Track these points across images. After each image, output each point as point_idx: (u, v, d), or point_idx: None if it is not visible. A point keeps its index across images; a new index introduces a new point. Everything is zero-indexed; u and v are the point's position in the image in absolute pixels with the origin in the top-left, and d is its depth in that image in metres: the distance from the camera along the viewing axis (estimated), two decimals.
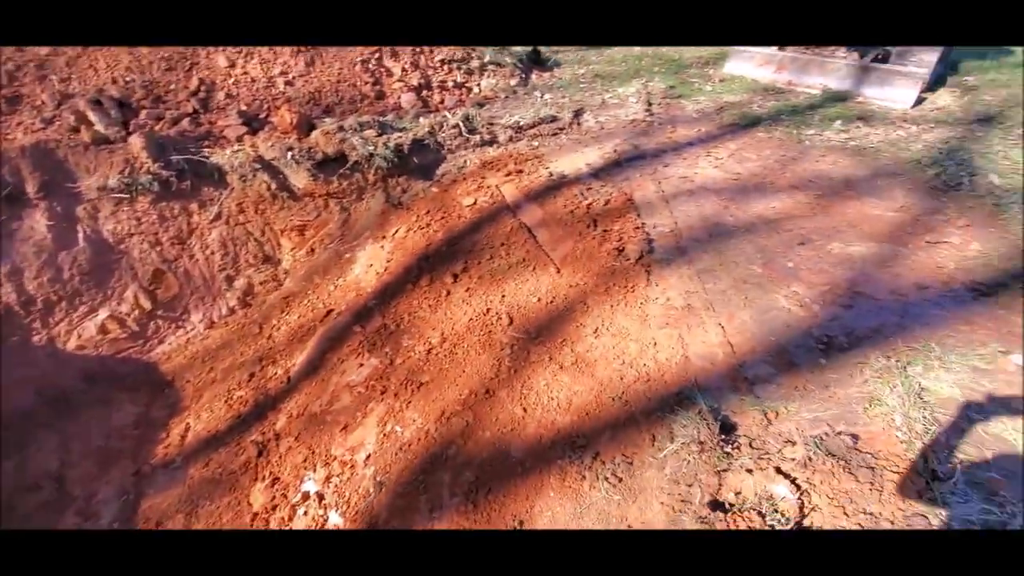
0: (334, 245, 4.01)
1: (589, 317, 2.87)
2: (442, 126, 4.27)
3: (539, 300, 3.05)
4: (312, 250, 3.88)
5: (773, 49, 6.05)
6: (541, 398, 2.54)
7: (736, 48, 6.27)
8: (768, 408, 2.19)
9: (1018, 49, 8.63)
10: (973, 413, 1.93)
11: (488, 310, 3.06)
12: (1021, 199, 3.32)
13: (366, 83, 4.53)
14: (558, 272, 3.19)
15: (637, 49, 7.44)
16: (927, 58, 5.29)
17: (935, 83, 5.80)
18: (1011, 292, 2.57)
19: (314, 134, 3.81)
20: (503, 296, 3.12)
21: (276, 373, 3.21)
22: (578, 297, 3.00)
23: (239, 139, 3.84)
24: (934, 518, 1.61)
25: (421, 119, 4.37)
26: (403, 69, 4.83)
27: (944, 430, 1.87)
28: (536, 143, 4.52)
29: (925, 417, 1.91)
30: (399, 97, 4.61)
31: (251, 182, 3.72)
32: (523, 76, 5.58)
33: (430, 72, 5.00)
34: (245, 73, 4.14)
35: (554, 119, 4.76)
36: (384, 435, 2.61)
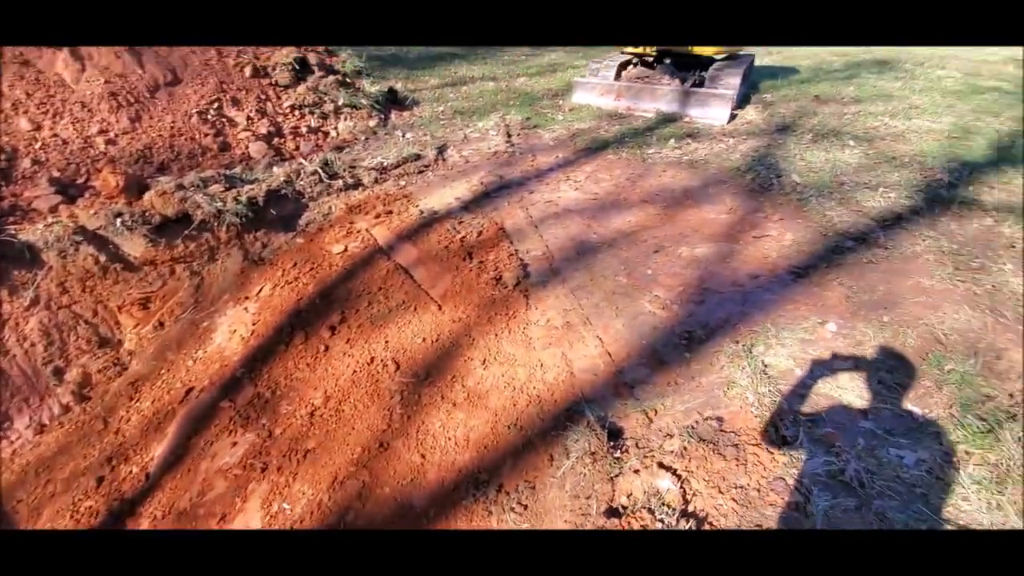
0: (188, 315, 3.59)
1: (476, 349, 2.87)
2: (299, 174, 4.08)
3: (424, 340, 2.99)
4: (161, 324, 3.44)
5: (611, 80, 6.72)
6: (439, 440, 2.46)
7: (579, 80, 6.87)
8: (647, 408, 2.34)
9: (803, 66, 10.52)
10: (806, 378, 2.24)
11: (372, 359, 2.93)
12: (815, 193, 4.00)
13: (206, 135, 4.20)
14: (440, 309, 3.16)
15: (491, 84, 7.83)
16: (733, 81, 6.21)
17: (742, 102, 6.83)
18: (820, 271, 3.05)
19: (148, 196, 3.42)
20: (387, 342, 3.01)
21: (131, 472, 2.76)
22: (463, 331, 3.00)
23: (53, 210, 3.33)
24: (790, 478, 1.81)
25: (275, 168, 4.14)
26: (248, 118, 4.56)
27: (786, 398, 2.14)
28: (403, 182, 4.50)
29: (770, 391, 2.17)
30: (247, 147, 4.33)
31: (73, 257, 3.22)
32: (382, 117, 5.56)
33: (280, 119, 4.78)
34: (55, 135, 3.62)
35: (418, 157, 4.79)
36: (271, 517, 2.35)
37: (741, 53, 7.69)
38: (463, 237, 3.72)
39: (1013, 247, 3.19)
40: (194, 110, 4.30)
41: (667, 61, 6.95)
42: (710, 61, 6.69)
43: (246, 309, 3.52)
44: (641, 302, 2.99)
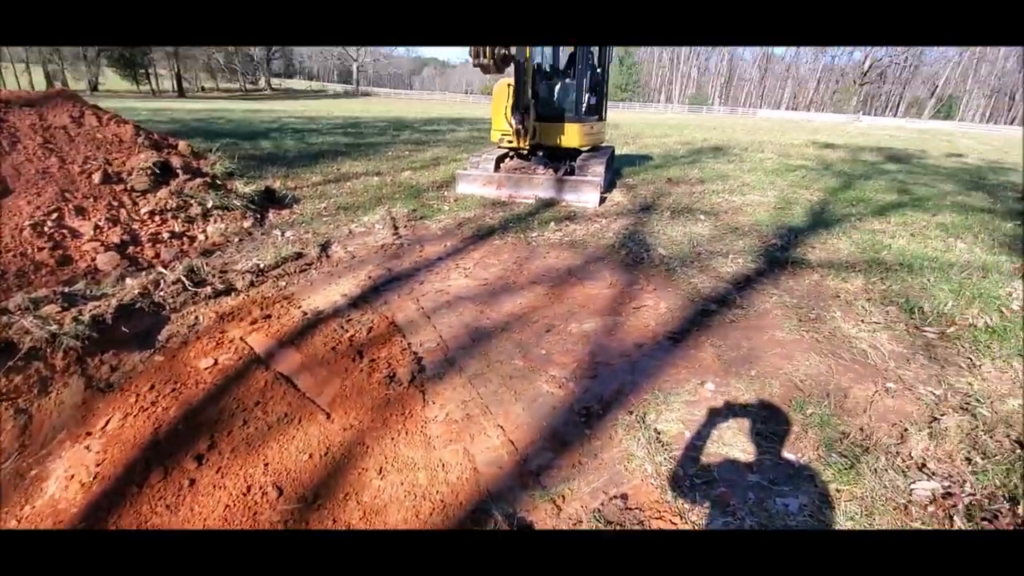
0: (11, 463, 2.92)
1: (371, 458, 2.64)
2: (159, 284, 3.69)
3: (311, 456, 2.69)
4: None
5: (491, 171, 7.18)
6: None
7: (462, 172, 7.25)
8: (555, 495, 2.27)
9: (656, 154, 12.10)
10: (695, 440, 2.34)
11: (249, 487, 2.56)
12: (679, 263, 4.45)
13: (41, 249, 3.70)
14: (329, 418, 2.90)
15: (376, 179, 7.98)
16: (599, 169, 6.93)
17: (609, 186, 7.61)
18: (692, 334, 3.32)
19: None
20: (266, 465, 2.67)
21: None
22: (356, 439, 2.76)
23: None
24: None
25: (129, 280, 3.72)
26: (97, 227, 4.12)
27: (680, 463, 2.20)
28: (283, 283, 4.26)
29: (666, 458, 2.22)
30: (94, 259, 3.87)
31: None
32: (258, 217, 5.34)
33: (136, 226, 4.38)
34: None
35: (300, 255, 4.61)
36: None
37: (603, 145, 8.69)
38: (352, 336, 3.55)
39: (838, 297, 3.75)
40: (27, 223, 3.79)
41: (540, 153, 7.62)
42: (577, 152, 7.46)
43: (88, 448, 2.95)
44: (539, 383, 3.00)
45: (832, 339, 3.16)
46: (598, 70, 7.69)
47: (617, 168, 9.21)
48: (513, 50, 5.65)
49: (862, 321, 3.36)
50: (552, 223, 5.70)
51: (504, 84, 7.07)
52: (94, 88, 57.31)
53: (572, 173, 7.11)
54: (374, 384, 3.09)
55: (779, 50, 78.85)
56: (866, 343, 3.10)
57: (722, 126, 27.26)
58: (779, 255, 4.56)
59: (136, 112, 22.07)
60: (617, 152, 12.67)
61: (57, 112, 4.77)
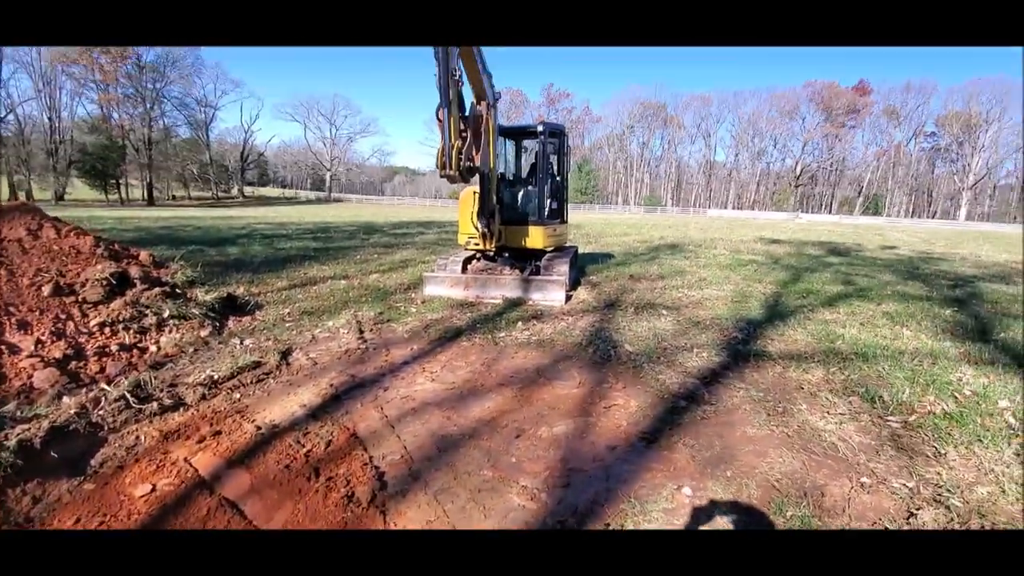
0: None
1: None
2: (99, 402, 3.44)
3: None
4: None
5: (459, 272, 7.33)
6: None
7: (429, 274, 7.37)
8: None
9: (617, 252, 12.67)
10: None
11: None
12: (646, 359, 4.48)
13: None
14: None
15: (343, 283, 7.99)
16: (563, 268, 7.17)
17: (574, 284, 7.83)
18: (665, 433, 3.25)
19: None
20: None
21: None
22: None
23: None
24: None
25: (66, 399, 3.45)
26: (39, 342, 3.90)
27: None
28: (238, 395, 4.04)
29: None
30: (30, 377, 3.61)
31: None
32: (216, 325, 5.19)
33: (83, 339, 4.17)
34: None
35: (258, 364, 4.43)
36: None
37: (566, 245, 9.08)
38: (308, 451, 3.31)
39: (802, 388, 3.80)
40: None
41: (506, 255, 7.88)
42: (542, 253, 7.75)
43: None
44: (509, 496, 2.82)
45: (802, 433, 3.14)
46: (558, 178, 8.26)
47: (581, 266, 9.57)
48: (477, 161, 6.03)
49: (828, 413, 3.38)
50: (520, 322, 5.74)
51: (470, 191, 7.47)
52: (60, 198, 57.53)
53: (538, 273, 7.33)
54: (330, 506, 2.83)
55: (720, 156, 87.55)
56: (835, 436, 3.09)
57: (676, 225, 29.19)
58: (741, 348, 4.67)
59: (101, 220, 22.08)
60: (580, 251, 13.26)
61: (13, 225, 4.71)
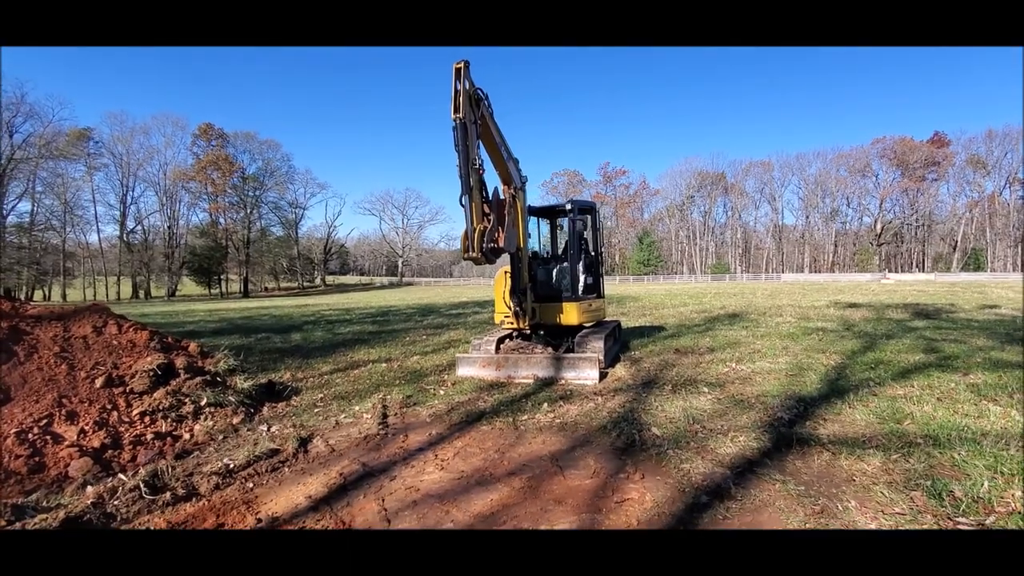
0: None
1: None
2: (115, 492, 3.56)
3: None
4: None
5: (491, 352, 7.25)
6: None
7: (462, 355, 7.34)
8: None
9: (670, 324, 12.11)
10: None
11: None
12: (673, 444, 4.06)
13: (18, 457, 3.73)
14: None
15: (384, 365, 8.14)
16: (597, 344, 6.91)
17: (613, 361, 7.47)
18: None
19: None
20: None
21: None
22: None
23: None
24: None
25: (88, 488, 3.61)
26: (82, 431, 4.20)
27: None
28: (251, 484, 4.05)
29: None
30: (67, 466, 3.85)
31: None
32: (250, 412, 5.38)
33: (123, 428, 4.44)
34: None
35: (275, 452, 4.47)
36: None
37: (606, 320, 8.82)
38: None
39: (853, 480, 3.23)
40: (13, 431, 3.90)
41: (541, 332, 7.75)
42: (578, 329, 7.54)
43: None
44: None
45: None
46: (592, 253, 8.22)
47: (626, 341, 9.19)
48: (501, 242, 6.14)
49: (882, 512, 2.81)
50: (546, 404, 5.48)
51: (503, 271, 7.57)
52: (171, 294, 65.29)
53: (572, 350, 7.10)
54: None
55: (788, 219, 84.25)
56: None
57: (743, 292, 27.78)
58: (786, 431, 4.12)
59: (194, 313, 24.53)
60: (632, 324, 12.83)
61: (82, 323, 5.30)
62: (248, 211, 73.31)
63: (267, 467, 4.30)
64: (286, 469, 4.33)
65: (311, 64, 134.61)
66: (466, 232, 5.82)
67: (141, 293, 65.54)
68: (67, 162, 60.58)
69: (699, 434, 4.24)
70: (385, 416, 5.45)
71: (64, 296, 60.01)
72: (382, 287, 77.91)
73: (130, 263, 65.55)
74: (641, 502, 3.29)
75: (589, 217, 8.07)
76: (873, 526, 2.71)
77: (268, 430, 5.08)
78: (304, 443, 4.76)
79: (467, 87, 5.69)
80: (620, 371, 6.82)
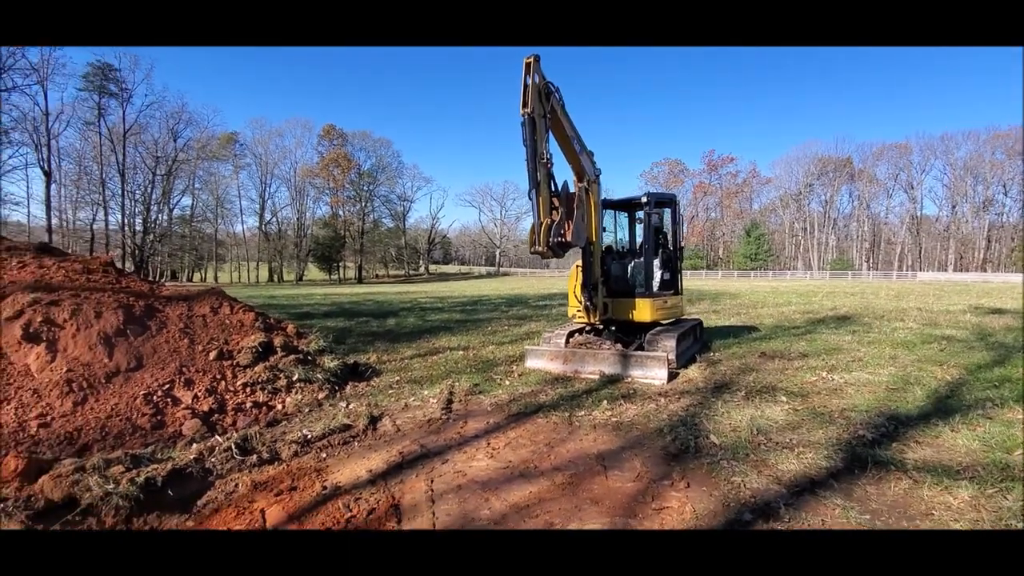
0: None
1: None
2: (213, 450, 4.17)
3: None
4: None
5: (561, 346, 7.27)
6: None
7: (531, 348, 7.44)
8: None
9: (765, 324, 11.22)
10: None
11: None
12: (729, 455, 3.83)
13: (144, 415, 4.50)
14: None
15: (460, 353, 8.50)
16: (669, 343, 6.65)
17: (688, 361, 7.13)
18: None
19: (41, 480, 3.49)
20: None
21: None
22: None
23: None
24: None
25: (193, 445, 4.26)
26: (195, 396, 4.94)
27: None
28: (324, 454, 4.51)
29: None
30: (181, 425, 4.56)
31: None
32: (334, 389, 5.94)
33: (227, 396, 5.15)
34: None
35: (347, 428, 4.91)
36: None
37: (685, 318, 8.41)
38: (352, 516, 3.52)
39: (931, 515, 2.83)
40: (142, 392, 4.71)
41: (612, 328, 7.61)
42: (652, 326, 7.30)
43: None
44: None
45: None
46: (670, 248, 7.87)
47: (708, 341, 8.69)
48: (569, 236, 6.11)
49: None
50: (606, 401, 5.41)
51: (576, 265, 7.54)
52: (299, 279, 73.00)
53: (642, 348, 6.89)
54: None
55: (929, 209, 73.12)
56: None
57: (864, 292, 24.75)
58: (864, 451, 3.69)
59: (312, 297, 27.23)
60: (722, 323, 12.08)
61: (202, 304, 6.20)
62: (363, 204, 79.55)
63: (340, 440, 4.75)
64: (356, 443, 4.76)
65: (421, 63, 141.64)
66: (533, 226, 5.88)
67: (275, 278, 74.11)
68: (219, 162, 70.31)
69: (762, 447, 3.95)
70: (450, 402, 5.73)
71: (216, 279, 69.87)
72: (479, 277, 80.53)
73: (267, 251, 74.43)
74: (680, 512, 3.16)
75: (668, 210, 7.73)
76: None
77: (346, 407, 5.59)
78: (374, 421, 5.18)
79: (537, 81, 5.72)
80: (693, 373, 6.50)
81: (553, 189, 6.15)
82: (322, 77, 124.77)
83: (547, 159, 5.88)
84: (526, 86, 5.58)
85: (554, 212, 6.08)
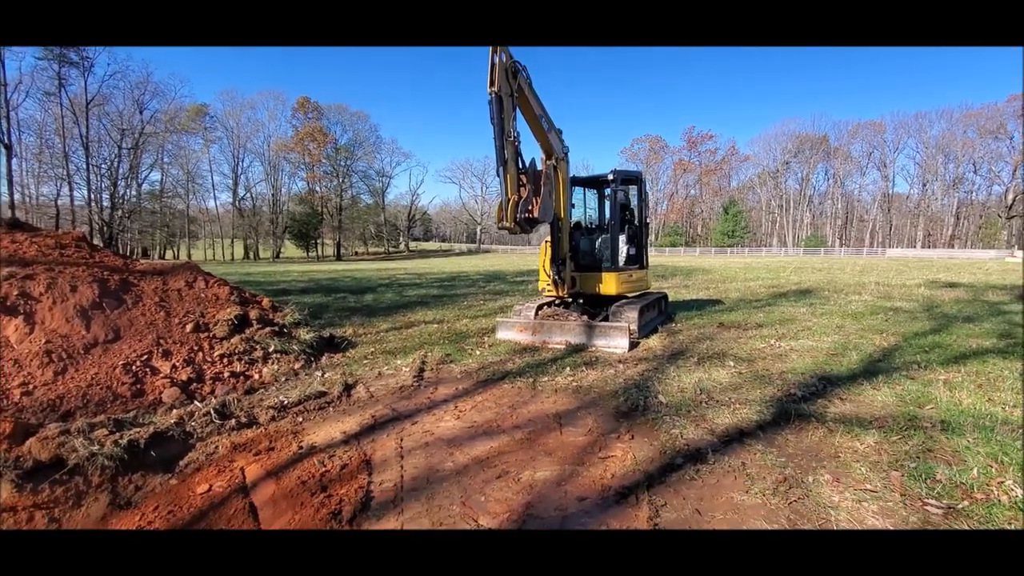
0: None
1: None
2: (192, 415, 4.39)
3: None
4: None
5: (530, 318, 7.59)
6: None
7: (502, 319, 7.75)
8: None
9: (731, 298, 11.68)
10: None
11: None
12: (673, 412, 4.21)
13: (124, 384, 4.68)
14: None
15: (435, 326, 8.77)
16: (631, 315, 7.01)
17: (650, 332, 7.53)
18: (644, 490, 3.06)
19: (29, 441, 3.68)
20: None
21: None
22: None
23: None
24: None
25: (174, 411, 4.48)
26: (173, 367, 5.12)
27: None
28: (300, 419, 4.77)
29: None
30: (160, 393, 4.76)
31: None
32: (310, 360, 6.17)
33: (205, 367, 5.34)
34: None
35: (323, 394, 5.17)
36: None
37: (651, 292, 8.79)
38: (325, 471, 3.81)
39: (837, 457, 3.25)
40: (120, 363, 4.88)
41: (580, 301, 7.95)
42: (619, 299, 7.65)
43: None
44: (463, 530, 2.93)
45: (800, 508, 2.71)
46: (636, 224, 8.18)
47: (672, 313, 9.11)
48: (536, 213, 6.35)
49: (851, 488, 2.85)
50: (569, 368, 5.76)
51: (546, 241, 7.81)
52: (276, 256, 71.85)
53: (606, 319, 7.25)
54: (317, 520, 3.24)
55: (901, 187, 75.02)
56: (842, 515, 2.61)
57: (831, 268, 25.65)
58: (791, 406, 4.10)
59: (289, 274, 27.03)
60: (690, 297, 12.56)
61: (177, 278, 6.33)
62: (340, 180, 78.01)
63: (315, 406, 5.01)
64: (330, 409, 5.03)
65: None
66: (500, 203, 6.10)
67: (251, 255, 72.83)
68: (188, 135, 68.00)
69: (703, 404, 4.34)
70: (422, 371, 6.02)
71: (190, 256, 68.31)
72: (460, 254, 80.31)
73: (241, 227, 72.88)
74: (623, 459, 3.53)
75: (634, 187, 8.01)
76: (836, 499, 2.78)
77: (322, 376, 5.83)
78: (348, 388, 5.44)
79: (504, 60, 5.86)
80: (653, 342, 6.89)
81: (521, 166, 6.36)
82: (296, 49, 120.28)
83: (514, 137, 6.07)
84: (493, 65, 5.72)
85: (522, 189, 6.30)
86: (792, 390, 4.50)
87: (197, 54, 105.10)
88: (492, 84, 5.74)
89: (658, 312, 8.54)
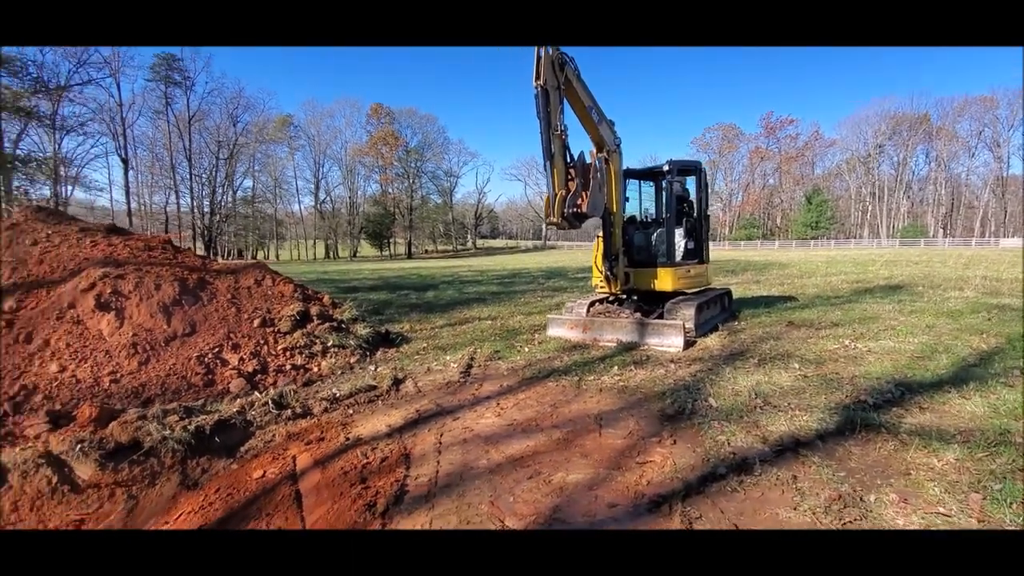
0: None
1: None
2: (252, 405, 4.70)
3: None
4: None
5: (581, 315, 7.44)
6: None
7: (553, 316, 7.65)
8: None
9: (807, 295, 10.83)
10: None
11: None
12: (723, 416, 3.94)
13: (197, 374, 5.10)
14: None
15: (488, 323, 8.83)
16: (687, 312, 6.68)
17: (709, 330, 7.14)
18: (677, 502, 2.88)
19: (111, 425, 4.10)
20: None
21: None
22: None
23: (37, 437, 4.05)
24: None
25: (237, 400, 4.82)
26: (241, 359, 5.52)
27: None
28: (351, 411, 4.98)
29: None
30: (228, 383, 5.14)
31: (31, 478, 3.78)
32: (365, 354, 6.43)
33: (269, 359, 5.71)
34: (73, 376, 4.62)
35: (372, 388, 5.36)
36: None
37: (712, 288, 8.33)
38: (367, 463, 3.94)
39: (909, 475, 2.88)
40: (195, 355, 5.33)
41: (634, 298, 7.68)
42: (675, 295, 7.32)
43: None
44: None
45: (856, 528, 2.42)
46: (695, 216, 7.77)
47: (737, 310, 8.58)
48: (584, 207, 6.20)
49: (919, 509, 2.51)
50: (617, 367, 5.58)
51: (598, 236, 7.62)
52: (353, 255, 75.98)
53: (661, 316, 6.95)
54: (355, 510, 3.35)
55: (1017, 169, 65.94)
56: None
57: (931, 260, 23.04)
58: (859, 415, 3.70)
59: (360, 272, 28.41)
60: (759, 293, 11.79)
61: (247, 276, 6.82)
62: (411, 181, 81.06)
63: (365, 399, 5.20)
64: (379, 402, 5.20)
65: None
66: (547, 198, 6.01)
67: (331, 254, 77.49)
68: (275, 144, 73.52)
69: (757, 409, 4.03)
70: (470, 367, 6.08)
71: (277, 256, 73.96)
72: (525, 251, 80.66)
73: (322, 229, 77.80)
74: (661, 466, 3.35)
75: (692, 178, 7.61)
76: (900, 523, 2.46)
77: (374, 370, 6.05)
78: (398, 383, 5.60)
79: (550, 52, 5.76)
80: (711, 341, 6.52)
81: (569, 160, 6.22)
82: (368, 53, 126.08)
83: (561, 131, 5.95)
84: (538, 58, 5.64)
85: (570, 183, 6.17)
86: (863, 396, 4.06)
87: (281, 66, 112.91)
88: (538, 77, 5.66)
89: (720, 309, 8.06)
